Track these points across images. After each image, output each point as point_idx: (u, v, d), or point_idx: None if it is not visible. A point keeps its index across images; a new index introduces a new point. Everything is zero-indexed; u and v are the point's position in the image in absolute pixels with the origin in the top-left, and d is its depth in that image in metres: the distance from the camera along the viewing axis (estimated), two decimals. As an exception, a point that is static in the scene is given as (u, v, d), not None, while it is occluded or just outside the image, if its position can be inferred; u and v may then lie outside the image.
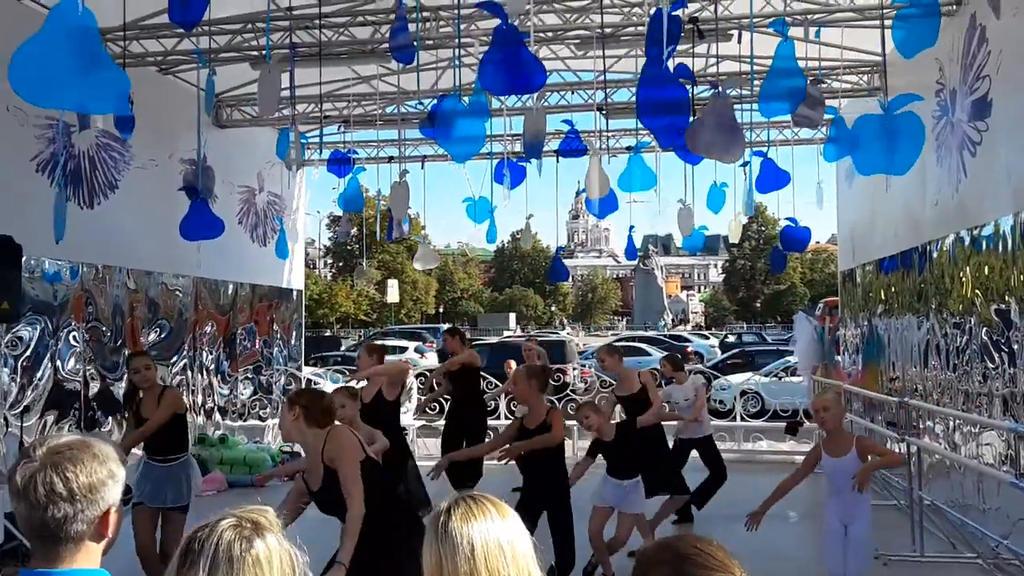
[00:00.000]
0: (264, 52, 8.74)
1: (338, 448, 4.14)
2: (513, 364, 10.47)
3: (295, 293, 14.68)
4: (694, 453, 8.83)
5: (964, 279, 8.12)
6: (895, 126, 6.81)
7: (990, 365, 7.45)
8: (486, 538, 1.84)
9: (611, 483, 6.52)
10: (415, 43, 7.42)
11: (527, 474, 6.27)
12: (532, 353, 10.51)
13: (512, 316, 76.64)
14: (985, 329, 7.57)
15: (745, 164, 10.66)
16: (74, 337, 9.02)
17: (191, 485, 6.10)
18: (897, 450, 8.66)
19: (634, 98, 11.34)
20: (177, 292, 11.13)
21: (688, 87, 6.54)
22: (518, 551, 1.86)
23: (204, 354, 11.75)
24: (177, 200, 9.80)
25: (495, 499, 1.95)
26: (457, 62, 8.29)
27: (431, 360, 28.94)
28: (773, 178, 10.44)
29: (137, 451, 6.23)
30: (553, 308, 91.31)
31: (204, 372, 11.75)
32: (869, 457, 5.39)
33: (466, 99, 7.44)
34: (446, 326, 49.50)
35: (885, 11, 7.65)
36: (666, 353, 10.96)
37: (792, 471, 5.83)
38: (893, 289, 10.64)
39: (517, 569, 1.84)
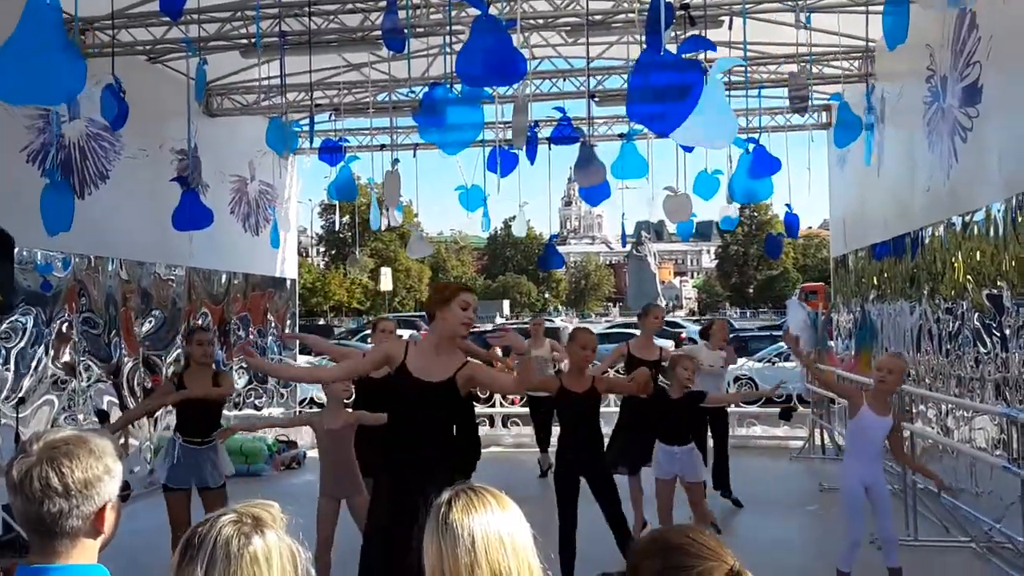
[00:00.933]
0: (254, 40, 8.70)
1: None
2: (499, 351, 10.44)
3: (288, 282, 14.66)
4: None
5: (956, 264, 8.15)
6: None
7: (982, 350, 7.49)
8: (486, 530, 1.84)
9: (664, 450, 6.41)
10: (406, 30, 7.39)
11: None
12: (539, 328, 10.55)
13: (506, 303, 76.62)
14: (977, 314, 7.60)
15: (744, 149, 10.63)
16: (67, 327, 8.99)
17: (227, 463, 6.27)
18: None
19: (625, 84, 11.34)
20: (170, 282, 11.10)
21: (692, 72, 6.48)
22: (518, 543, 1.87)
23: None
24: (169, 190, 9.76)
25: (495, 491, 1.95)
26: (447, 49, 8.27)
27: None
28: (765, 164, 10.44)
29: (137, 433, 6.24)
30: (547, 295, 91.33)
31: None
32: (902, 431, 5.58)
33: (457, 87, 7.40)
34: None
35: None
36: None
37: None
38: (885, 275, 10.67)
39: (517, 561, 1.85)
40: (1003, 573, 6.32)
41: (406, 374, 4.39)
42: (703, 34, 8.26)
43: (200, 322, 11.48)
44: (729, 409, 9.50)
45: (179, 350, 11.23)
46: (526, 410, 12.76)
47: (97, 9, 8.42)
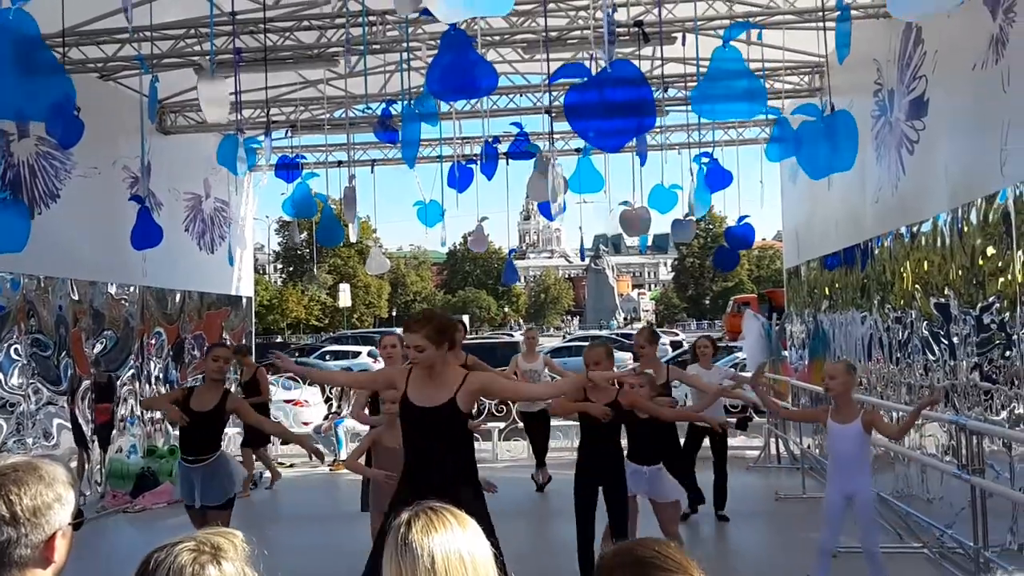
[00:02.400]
0: (208, 57, 8.63)
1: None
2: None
3: (245, 300, 14.51)
4: None
5: (904, 274, 8.33)
6: (834, 127, 6.99)
7: (931, 358, 7.65)
8: (447, 550, 1.83)
9: (631, 468, 6.30)
10: (361, 47, 7.39)
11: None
12: (534, 341, 10.75)
13: (466, 318, 76.46)
14: (925, 323, 7.77)
15: (698, 162, 10.78)
16: (16, 351, 8.81)
17: (232, 481, 6.17)
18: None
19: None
20: (123, 301, 10.93)
21: (633, 87, 6.59)
22: (479, 562, 1.86)
23: (152, 364, 11.56)
24: (121, 208, 9.64)
25: (455, 510, 1.95)
26: (404, 66, 8.28)
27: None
28: (718, 177, 10.61)
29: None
30: (506, 309, 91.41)
31: (152, 382, 11.56)
32: (873, 431, 5.49)
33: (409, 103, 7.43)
34: (398, 330, 49.44)
35: (825, 14, 7.83)
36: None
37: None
38: (837, 285, 10.87)
39: None
40: (955, 577, 6.45)
41: (408, 404, 4.43)
42: (656, 51, 8.40)
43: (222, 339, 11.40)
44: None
45: (132, 370, 11.07)
46: (484, 425, 12.76)
47: (48, 26, 8.29)
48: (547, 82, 10.16)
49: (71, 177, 9.76)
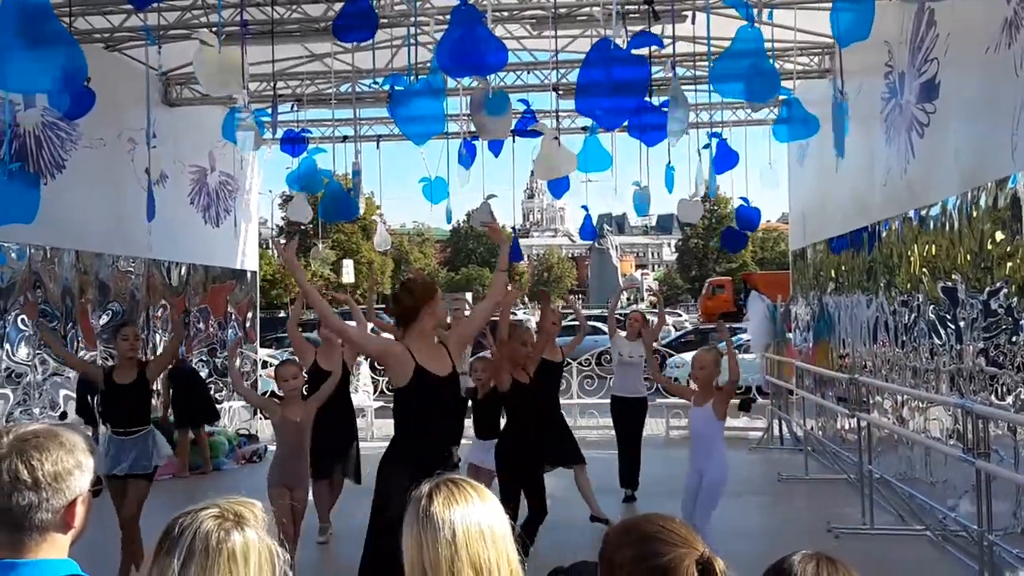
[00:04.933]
0: (215, 29, 8.58)
1: None
2: None
3: (249, 274, 14.51)
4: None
5: (912, 258, 8.30)
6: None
7: (937, 342, 7.65)
8: (467, 523, 1.85)
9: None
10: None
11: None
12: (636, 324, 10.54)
13: (468, 295, 76.51)
14: (932, 307, 7.76)
15: (706, 146, 10.74)
16: (22, 321, 8.83)
17: (159, 454, 6.35)
18: (847, 426, 8.88)
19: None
20: (129, 274, 10.94)
21: (640, 66, 6.55)
22: (498, 535, 1.88)
23: (157, 337, 11.59)
24: (127, 180, 9.63)
25: (476, 483, 1.97)
26: (411, 40, 8.22)
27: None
28: (726, 158, 10.56)
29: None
30: (509, 287, 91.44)
31: (157, 354, 11.58)
32: (715, 408, 5.90)
33: (416, 79, 7.37)
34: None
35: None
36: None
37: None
38: (843, 268, 10.84)
39: (497, 553, 1.86)
40: (957, 560, 6.47)
41: (426, 374, 4.40)
42: (665, 30, 8.33)
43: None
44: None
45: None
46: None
47: (53, -5, 8.25)
48: (555, 59, 10.09)
49: (76, 148, 9.73)
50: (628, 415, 8.82)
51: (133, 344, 6.32)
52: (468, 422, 5.92)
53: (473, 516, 1.87)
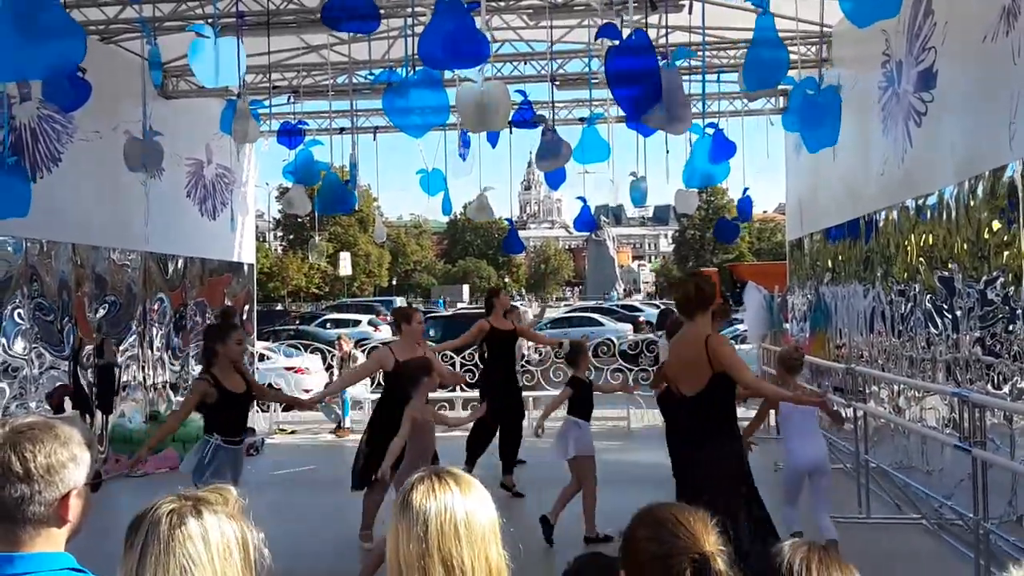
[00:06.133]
0: (211, 20, 8.55)
1: None
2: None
3: (246, 267, 14.50)
4: None
5: (909, 247, 8.31)
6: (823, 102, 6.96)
7: (933, 331, 7.66)
8: (441, 519, 1.81)
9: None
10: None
11: None
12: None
13: (466, 288, 76.56)
14: (929, 296, 7.77)
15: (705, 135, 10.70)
16: (19, 315, 8.81)
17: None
18: (844, 415, 8.90)
19: (586, 68, 11.35)
20: (125, 267, 10.92)
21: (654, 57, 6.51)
22: (475, 528, 1.83)
23: (154, 330, 11.58)
24: (123, 173, 9.59)
25: (462, 474, 1.92)
26: (408, 32, 8.19)
27: (384, 333, 28.82)
28: (722, 149, 10.53)
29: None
30: (506, 279, 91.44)
31: (154, 348, 11.58)
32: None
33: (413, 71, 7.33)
34: (399, 299, 48.88)
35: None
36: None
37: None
38: (840, 257, 10.85)
39: (472, 552, 1.81)
40: (953, 549, 6.50)
41: None
42: (664, 19, 8.31)
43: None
44: None
45: (134, 336, 11.07)
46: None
47: (47, -13, 8.20)
48: (552, 50, 10.06)
49: (72, 141, 9.70)
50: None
51: (246, 349, 6.26)
52: None
53: (448, 512, 1.82)
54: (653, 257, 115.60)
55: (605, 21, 8.41)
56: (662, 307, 11.49)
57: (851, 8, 6.00)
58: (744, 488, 4.78)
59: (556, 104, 11.33)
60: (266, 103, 10.69)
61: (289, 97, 12.69)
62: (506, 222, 15.74)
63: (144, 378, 11.27)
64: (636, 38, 5.98)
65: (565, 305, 59.57)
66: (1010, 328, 6.15)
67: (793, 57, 11.13)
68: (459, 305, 56.82)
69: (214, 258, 13.30)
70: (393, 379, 6.83)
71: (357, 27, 7.19)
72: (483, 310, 9.78)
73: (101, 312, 10.35)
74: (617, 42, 6.23)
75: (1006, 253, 6.24)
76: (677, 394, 4.83)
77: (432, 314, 28.64)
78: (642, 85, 5.97)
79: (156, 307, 11.63)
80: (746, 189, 12.22)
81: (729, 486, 4.60)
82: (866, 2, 5.96)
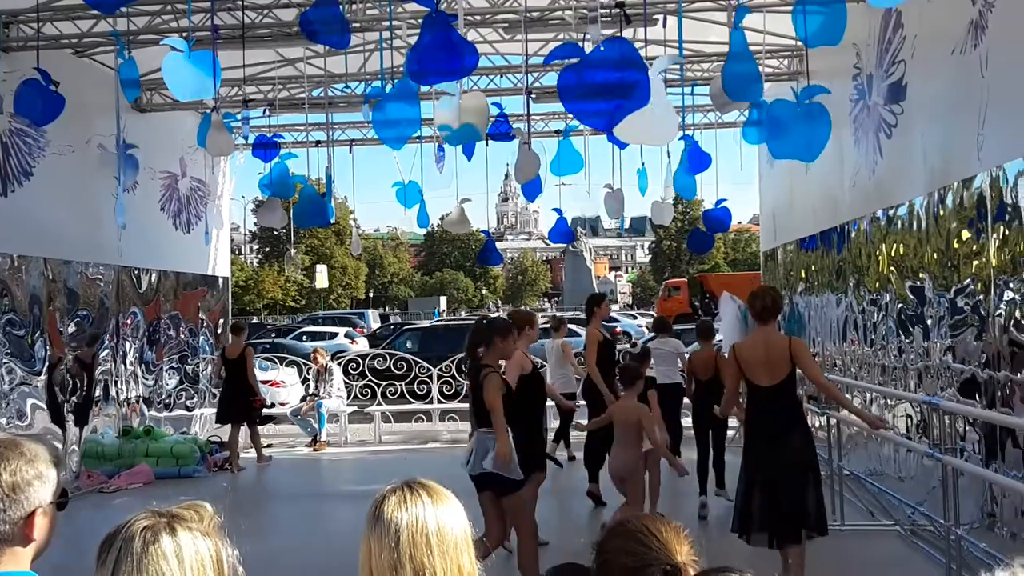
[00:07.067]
0: (185, 34, 8.53)
1: None
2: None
3: (221, 280, 14.41)
4: None
5: (880, 257, 8.41)
6: (807, 115, 7.03)
7: (905, 340, 7.75)
8: (413, 529, 1.82)
9: None
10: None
11: None
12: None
13: (443, 299, 76.42)
14: (900, 305, 7.86)
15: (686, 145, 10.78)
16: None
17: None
18: (818, 423, 8.98)
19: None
20: (98, 281, 10.82)
21: (629, 70, 6.57)
22: (448, 543, 1.83)
23: (127, 344, 11.47)
24: (96, 187, 9.53)
25: (434, 486, 1.92)
26: (384, 45, 8.22)
27: (362, 345, 28.71)
28: (697, 160, 10.64)
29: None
30: (484, 291, 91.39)
31: (127, 362, 11.47)
32: None
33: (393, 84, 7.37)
34: (371, 312, 48.52)
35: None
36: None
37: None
38: (813, 268, 10.96)
39: (444, 562, 1.82)
40: (926, 554, 6.57)
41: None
42: (637, 32, 8.38)
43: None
44: None
45: (107, 350, 10.96)
46: (462, 406, 12.77)
47: (21, 1, 8.17)
48: (528, 63, 10.11)
49: (45, 155, 9.62)
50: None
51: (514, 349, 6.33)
52: None
53: (420, 522, 1.83)
54: (630, 268, 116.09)
55: (580, 35, 8.49)
56: (655, 315, 11.94)
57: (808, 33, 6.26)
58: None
59: (532, 117, 11.39)
60: (238, 117, 10.63)
61: (265, 110, 12.66)
62: (483, 234, 15.78)
63: (117, 393, 11.16)
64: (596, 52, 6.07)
65: (543, 316, 59.67)
66: (980, 336, 6.24)
67: (766, 71, 11.29)
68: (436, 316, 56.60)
69: (188, 272, 13.22)
70: (527, 382, 6.72)
71: (331, 41, 7.21)
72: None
73: (72, 327, 10.23)
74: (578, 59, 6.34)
75: (975, 262, 6.33)
76: (754, 384, 5.81)
77: (409, 325, 28.57)
78: (599, 100, 6.08)
79: (129, 321, 11.53)
80: (721, 200, 12.31)
81: (810, 441, 5.82)
82: (816, 29, 6.70)
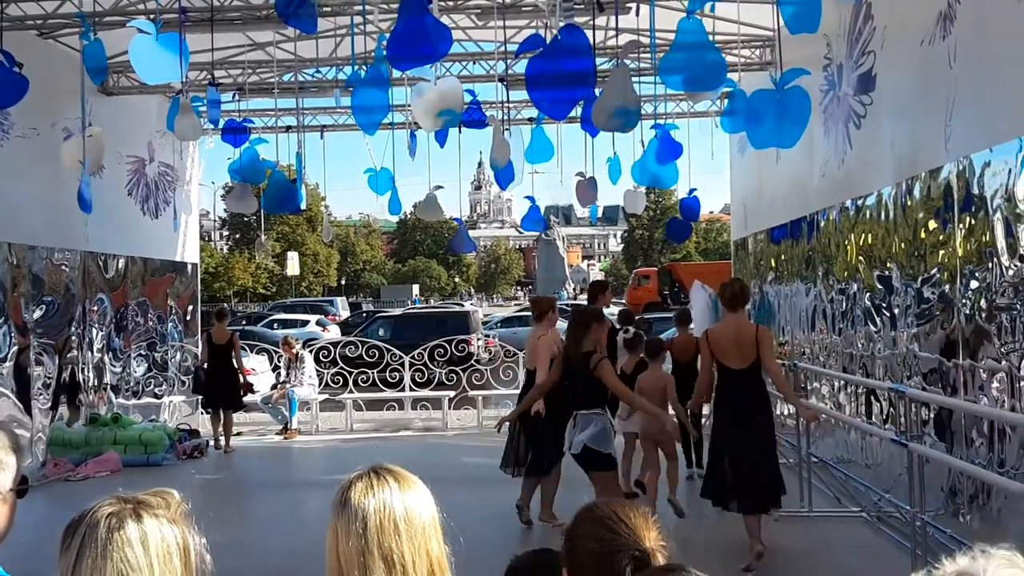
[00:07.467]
0: (152, 15, 8.39)
1: None
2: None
3: (190, 267, 14.26)
4: None
5: (849, 247, 8.49)
6: (785, 101, 7.06)
7: (872, 329, 7.84)
8: (381, 515, 1.81)
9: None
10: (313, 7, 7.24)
11: None
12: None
13: (415, 287, 76.23)
14: (868, 294, 7.95)
15: (657, 135, 10.79)
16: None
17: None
18: (787, 411, 9.07)
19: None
20: (63, 267, 10.67)
21: (586, 59, 6.59)
22: (416, 528, 1.83)
23: (94, 331, 11.33)
24: (60, 171, 9.38)
25: (400, 471, 1.91)
26: (355, 30, 8.14)
27: (334, 333, 28.56)
28: (669, 150, 10.65)
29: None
30: (456, 279, 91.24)
31: (94, 349, 11.33)
32: None
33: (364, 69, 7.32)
34: (340, 299, 48.23)
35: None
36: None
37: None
38: (783, 257, 11.04)
39: (412, 547, 1.81)
40: (892, 540, 6.66)
41: None
42: (609, 21, 8.37)
43: None
44: None
45: (74, 337, 10.82)
46: (435, 394, 12.84)
47: (-18, -21, 7.99)
48: (501, 50, 10.08)
49: (8, 138, 9.45)
50: None
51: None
52: None
53: (387, 508, 1.82)
54: (602, 256, 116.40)
55: (551, 22, 8.47)
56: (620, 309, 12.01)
57: (789, 17, 6.28)
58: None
59: (505, 104, 11.35)
60: (204, 100, 10.49)
61: (234, 95, 12.51)
62: (455, 222, 15.72)
63: (84, 380, 11.03)
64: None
65: (515, 304, 59.66)
66: (946, 325, 6.32)
67: (739, 60, 11.33)
68: (408, 305, 56.46)
69: (157, 258, 13.07)
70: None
71: (300, 24, 7.14)
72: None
73: (37, 313, 10.08)
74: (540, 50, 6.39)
75: (941, 252, 6.41)
76: (725, 366, 6.28)
77: (381, 313, 28.45)
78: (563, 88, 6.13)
79: (96, 308, 11.38)
80: (693, 190, 12.37)
81: (771, 422, 6.40)
82: (798, 16, 6.77)
